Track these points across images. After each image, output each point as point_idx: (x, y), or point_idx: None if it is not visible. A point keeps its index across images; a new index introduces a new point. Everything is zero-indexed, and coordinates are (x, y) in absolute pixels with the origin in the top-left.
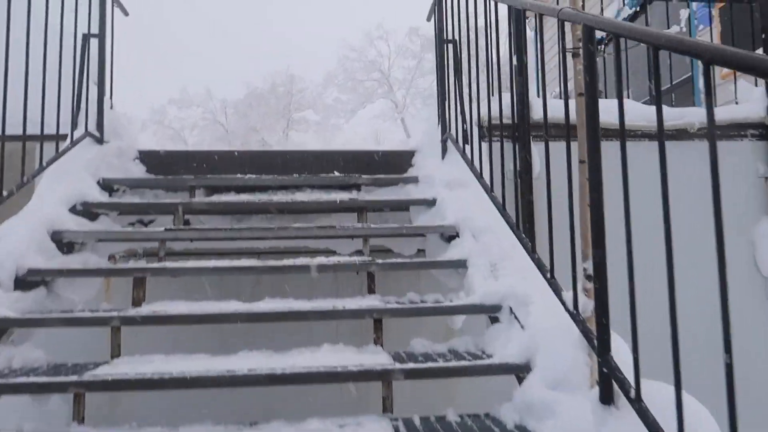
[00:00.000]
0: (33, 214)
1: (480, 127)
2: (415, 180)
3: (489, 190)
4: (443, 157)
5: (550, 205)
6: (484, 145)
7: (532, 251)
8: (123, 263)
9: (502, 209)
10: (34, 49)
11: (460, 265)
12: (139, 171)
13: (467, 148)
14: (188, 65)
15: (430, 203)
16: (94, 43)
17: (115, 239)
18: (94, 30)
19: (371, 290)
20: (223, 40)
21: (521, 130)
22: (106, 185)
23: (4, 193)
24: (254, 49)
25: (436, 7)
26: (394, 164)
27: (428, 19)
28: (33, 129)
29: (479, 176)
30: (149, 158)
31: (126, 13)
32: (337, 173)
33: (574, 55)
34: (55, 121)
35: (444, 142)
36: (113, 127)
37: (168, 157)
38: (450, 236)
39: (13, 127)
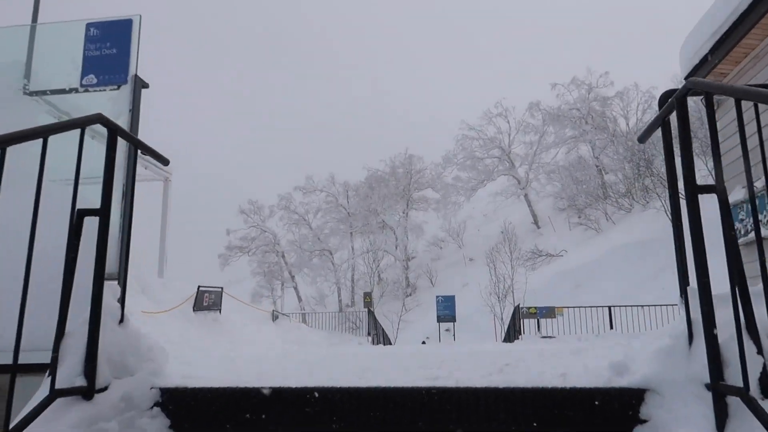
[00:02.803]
0: None
1: None
2: None
3: None
4: (722, 427)
5: None
6: None
7: None
8: None
9: None
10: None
11: None
12: (156, 429)
13: None
14: (313, 151)
15: None
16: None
17: None
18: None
19: None
20: (346, 125)
21: None
22: None
23: None
24: (374, 132)
25: (676, 112)
26: (603, 416)
27: (641, 140)
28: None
29: None
30: (176, 402)
31: (166, 162)
32: None
33: None
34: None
35: (720, 396)
36: (119, 359)
37: (205, 401)
38: None
39: None
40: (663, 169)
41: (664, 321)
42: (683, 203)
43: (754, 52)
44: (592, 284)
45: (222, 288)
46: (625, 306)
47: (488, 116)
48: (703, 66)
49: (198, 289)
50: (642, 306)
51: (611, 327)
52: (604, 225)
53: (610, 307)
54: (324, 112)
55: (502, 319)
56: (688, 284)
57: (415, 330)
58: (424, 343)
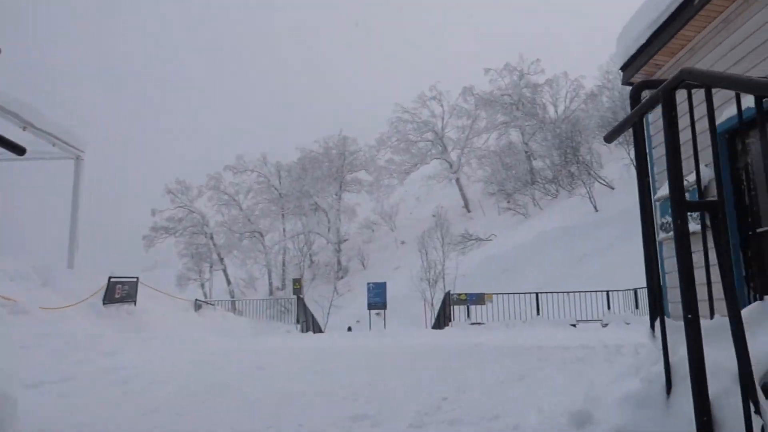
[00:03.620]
0: None
1: None
2: None
3: None
4: None
5: None
6: None
7: None
8: None
9: None
10: None
11: None
12: None
13: None
14: (245, 131)
15: None
16: None
17: None
18: None
19: None
20: (278, 106)
21: None
22: None
23: None
24: (308, 113)
25: (662, 109)
26: None
27: (608, 140)
28: None
29: None
30: None
31: (20, 152)
32: None
33: None
34: None
35: None
36: None
37: None
38: None
39: None
40: (588, 157)
41: (586, 307)
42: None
43: (690, 44)
44: (520, 269)
45: (137, 278)
46: (551, 293)
47: (422, 99)
48: (639, 56)
49: (109, 280)
50: (567, 293)
51: (538, 313)
52: (531, 210)
53: (537, 294)
54: (256, 90)
55: (432, 304)
56: (663, 314)
57: (346, 314)
58: (350, 329)
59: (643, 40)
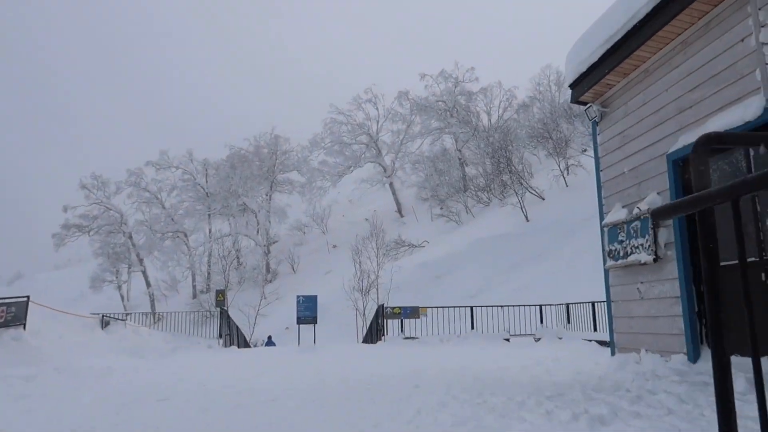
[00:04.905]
0: None
1: None
2: None
3: None
4: None
5: None
6: None
7: None
8: None
9: None
10: None
11: None
12: None
13: None
14: (170, 128)
15: None
16: None
17: None
18: None
19: None
20: (207, 103)
21: None
22: None
23: None
24: (238, 112)
25: None
26: None
27: (657, 216)
28: None
29: None
30: None
31: None
32: None
33: None
34: None
35: None
36: None
37: None
38: None
39: None
40: (520, 167)
41: (520, 321)
42: None
43: (644, 66)
44: (453, 276)
45: (28, 297)
46: (485, 306)
47: (357, 102)
48: (590, 75)
49: None
50: (501, 306)
51: (472, 327)
52: (464, 218)
53: (471, 308)
54: (182, 84)
55: (364, 314)
56: None
57: (274, 322)
58: (270, 339)
59: (594, 59)
